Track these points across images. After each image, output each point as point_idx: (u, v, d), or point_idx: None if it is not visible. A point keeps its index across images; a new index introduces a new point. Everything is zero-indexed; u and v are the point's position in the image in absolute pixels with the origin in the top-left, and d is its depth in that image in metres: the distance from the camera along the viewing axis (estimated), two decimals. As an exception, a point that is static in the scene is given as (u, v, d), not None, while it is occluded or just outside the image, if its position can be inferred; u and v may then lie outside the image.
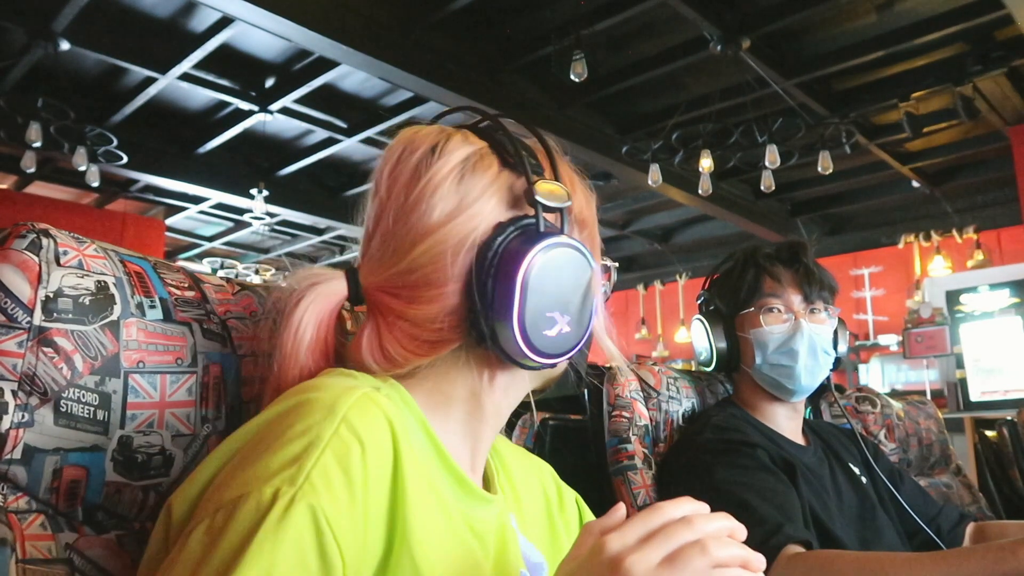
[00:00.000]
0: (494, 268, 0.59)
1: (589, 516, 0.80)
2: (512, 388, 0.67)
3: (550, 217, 0.61)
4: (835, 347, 1.27)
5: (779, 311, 1.24)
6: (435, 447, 0.60)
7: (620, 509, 0.50)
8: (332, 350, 0.65)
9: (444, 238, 0.60)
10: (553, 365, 0.62)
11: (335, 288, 0.64)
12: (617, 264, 0.74)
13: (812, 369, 1.22)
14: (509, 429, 0.78)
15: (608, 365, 1.31)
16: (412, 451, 0.56)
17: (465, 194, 0.61)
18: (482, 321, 0.59)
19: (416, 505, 0.53)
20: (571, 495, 0.82)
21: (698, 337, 1.33)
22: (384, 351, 0.62)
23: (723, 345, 1.29)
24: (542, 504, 0.77)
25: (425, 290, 0.61)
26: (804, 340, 1.21)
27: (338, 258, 9.77)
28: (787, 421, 1.27)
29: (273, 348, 0.63)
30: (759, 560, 0.47)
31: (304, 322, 0.62)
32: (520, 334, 0.58)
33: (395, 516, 0.52)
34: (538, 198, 0.60)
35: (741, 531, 0.49)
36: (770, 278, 1.24)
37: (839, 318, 1.30)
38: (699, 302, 1.37)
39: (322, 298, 0.63)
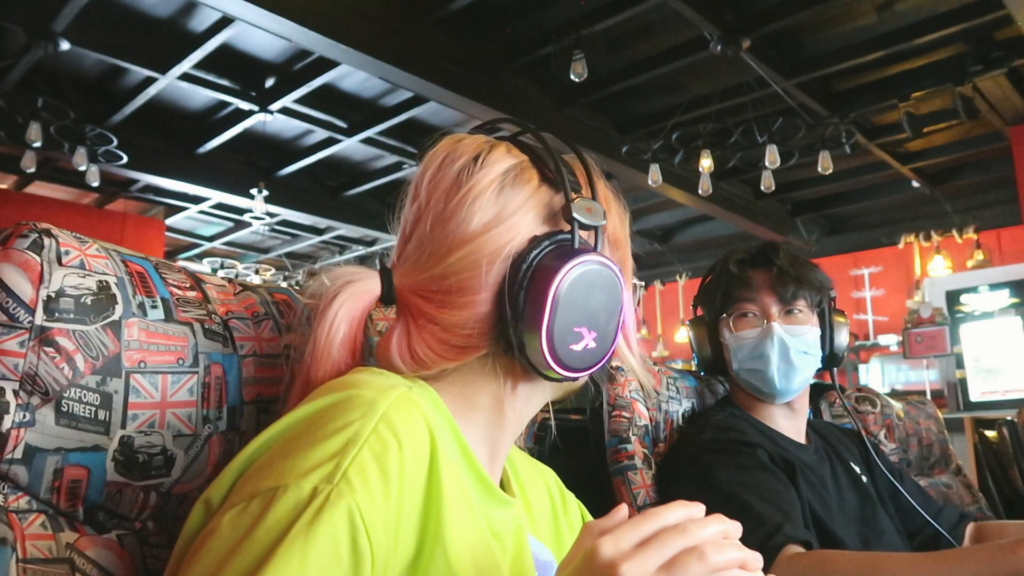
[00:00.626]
0: (527, 280, 0.60)
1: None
2: (534, 397, 0.68)
3: (584, 235, 0.63)
4: (830, 344, 1.25)
5: (754, 315, 1.23)
6: (462, 448, 0.61)
7: (623, 509, 0.51)
8: (360, 348, 0.66)
9: (481, 247, 0.62)
10: (576, 379, 0.63)
11: (369, 287, 0.65)
12: (644, 284, 0.77)
13: (786, 373, 1.21)
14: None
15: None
16: (446, 451, 0.57)
17: (504, 205, 0.63)
18: (511, 331, 0.61)
19: (450, 505, 0.54)
20: (573, 499, 0.83)
21: (690, 341, 1.35)
22: (413, 352, 0.63)
23: (707, 351, 1.30)
24: (548, 505, 0.78)
25: (458, 296, 0.62)
26: (774, 345, 1.20)
27: (338, 258, 9.77)
28: (785, 420, 1.27)
29: (305, 343, 0.64)
30: (756, 559, 0.47)
31: (338, 319, 0.63)
32: (547, 346, 0.59)
33: (429, 515, 0.53)
34: (575, 215, 0.61)
35: (736, 531, 0.49)
36: (742, 283, 1.24)
37: (841, 312, 1.28)
38: (693, 306, 1.38)
39: (356, 296, 0.65)
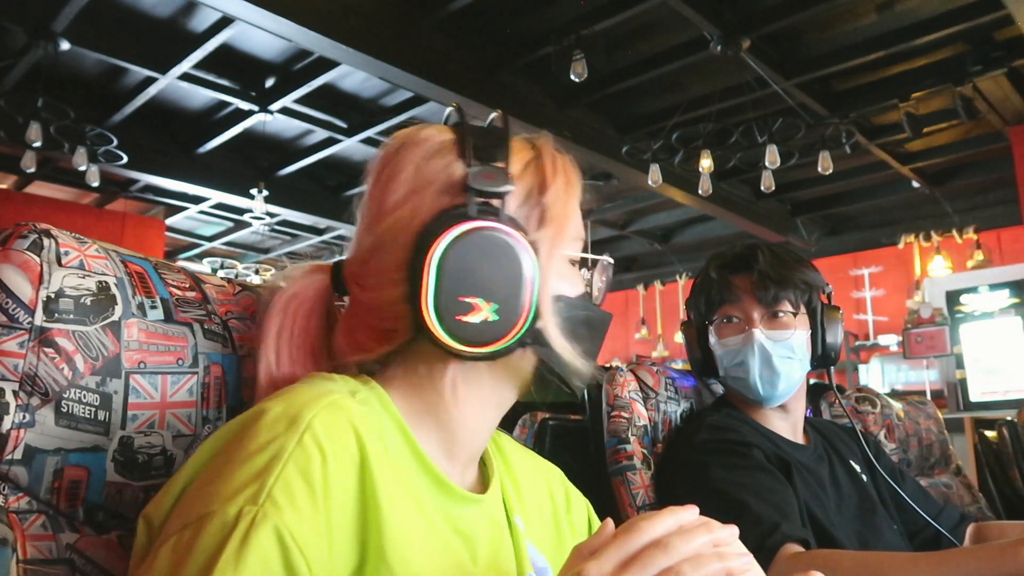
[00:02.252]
0: (422, 254, 0.59)
1: (598, 523, 0.79)
2: (473, 385, 0.64)
3: (495, 204, 0.60)
4: (822, 344, 1.23)
5: (737, 320, 1.22)
6: (412, 448, 0.60)
7: (608, 526, 0.50)
8: (319, 348, 0.65)
9: (393, 224, 0.62)
10: (489, 356, 0.60)
11: (317, 280, 0.66)
12: (610, 260, 0.72)
13: (770, 379, 1.19)
14: (509, 429, 0.78)
15: (607, 365, 1.32)
16: (387, 455, 0.56)
17: (417, 182, 0.62)
18: (416, 309, 0.59)
19: (391, 510, 0.53)
20: (581, 500, 0.81)
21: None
22: (350, 340, 0.64)
23: (698, 354, 1.30)
24: (548, 507, 0.76)
25: (377, 276, 0.62)
26: (755, 352, 1.18)
27: (338, 258, 9.75)
28: (780, 421, 1.26)
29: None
30: (744, 568, 0.47)
31: (288, 313, 0.64)
32: (435, 318, 0.58)
33: (367, 523, 0.52)
34: (470, 183, 0.60)
35: (729, 536, 0.48)
36: (724, 289, 1.22)
37: (835, 308, 1.26)
38: (686, 309, 1.37)
39: (304, 290, 0.65)
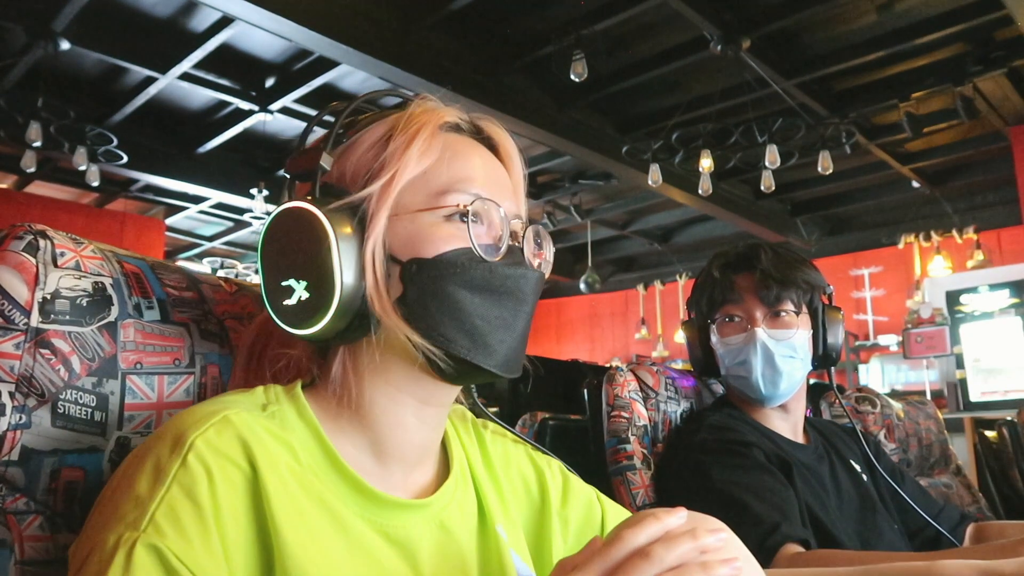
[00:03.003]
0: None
1: (612, 512, 0.76)
2: (369, 375, 0.60)
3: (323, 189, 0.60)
4: (823, 344, 1.23)
5: (739, 319, 1.22)
6: (329, 456, 0.57)
7: (595, 543, 0.49)
8: (255, 364, 0.66)
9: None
10: (320, 338, 0.58)
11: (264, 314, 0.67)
12: (495, 204, 0.61)
13: (772, 379, 1.19)
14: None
15: (607, 365, 1.32)
16: (298, 466, 0.54)
17: None
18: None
19: (291, 526, 0.51)
20: (583, 491, 0.76)
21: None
22: (277, 356, 0.64)
23: (699, 354, 1.29)
24: (525, 503, 0.73)
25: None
26: (758, 351, 1.18)
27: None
28: (780, 421, 1.26)
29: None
30: (730, 574, 0.46)
31: (249, 350, 0.66)
32: (271, 310, 0.59)
33: (265, 540, 0.51)
34: (282, 172, 0.62)
35: (714, 543, 0.47)
36: (727, 288, 1.23)
37: (836, 308, 1.26)
38: (687, 308, 1.37)
39: (256, 324, 0.67)
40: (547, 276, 0.65)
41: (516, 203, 0.65)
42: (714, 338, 1.25)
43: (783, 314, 1.20)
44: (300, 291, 0.57)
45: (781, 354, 1.19)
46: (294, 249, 0.58)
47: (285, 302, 0.58)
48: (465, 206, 0.59)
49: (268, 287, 0.59)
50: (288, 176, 0.62)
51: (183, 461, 0.49)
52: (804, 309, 1.23)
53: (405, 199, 0.59)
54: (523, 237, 0.63)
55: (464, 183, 0.60)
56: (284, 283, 0.58)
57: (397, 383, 0.60)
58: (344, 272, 0.56)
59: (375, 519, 0.58)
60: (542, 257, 0.65)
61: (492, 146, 0.66)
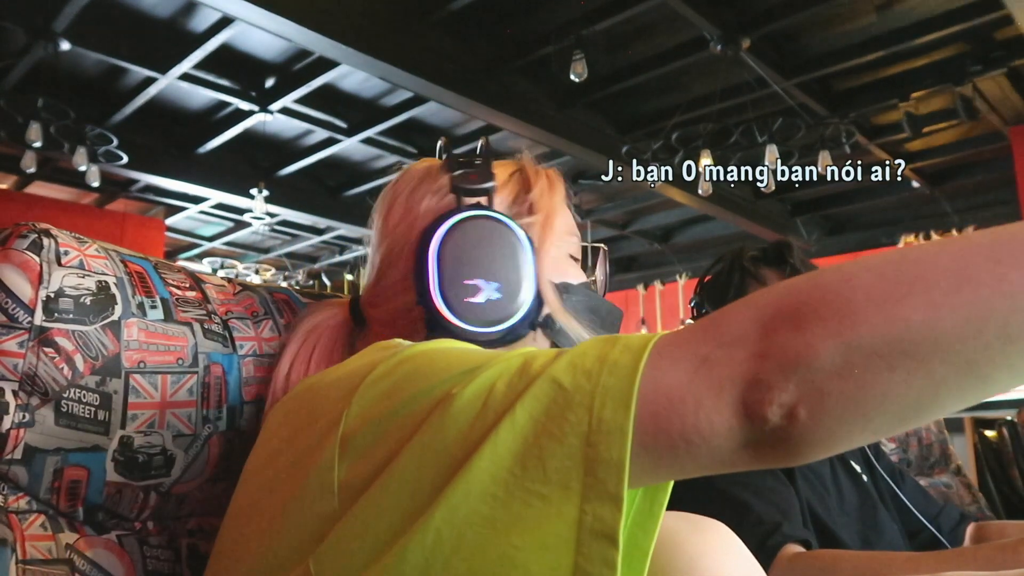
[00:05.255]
0: (424, 252, 0.62)
1: None
2: None
3: (483, 202, 0.65)
4: None
5: None
6: None
7: None
8: None
9: (394, 241, 0.67)
10: (498, 335, 0.61)
11: (334, 314, 0.69)
12: (604, 247, 0.75)
13: None
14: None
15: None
16: None
17: (411, 201, 0.68)
18: (428, 305, 0.61)
19: None
20: None
21: None
22: None
23: None
24: None
25: (387, 292, 0.66)
26: None
27: (338, 258, 9.77)
28: None
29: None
30: None
31: (300, 346, 0.67)
32: (444, 305, 0.60)
33: None
34: (457, 184, 0.65)
35: None
36: (756, 282, 1.22)
37: None
38: (691, 305, 1.37)
39: (320, 326, 0.68)
40: None
41: None
42: None
43: None
44: (489, 291, 0.61)
45: None
46: (484, 253, 0.62)
47: (470, 300, 0.61)
48: (596, 246, 0.73)
49: (446, 285, 0.61)
50: (450, 173, 0.66)
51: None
52: None
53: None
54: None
55: (574, 229, 0.72)
56: (470, 282, 0.61)
57: None
58: (533, 280, 0.63)
59: None
60: None
61: None
